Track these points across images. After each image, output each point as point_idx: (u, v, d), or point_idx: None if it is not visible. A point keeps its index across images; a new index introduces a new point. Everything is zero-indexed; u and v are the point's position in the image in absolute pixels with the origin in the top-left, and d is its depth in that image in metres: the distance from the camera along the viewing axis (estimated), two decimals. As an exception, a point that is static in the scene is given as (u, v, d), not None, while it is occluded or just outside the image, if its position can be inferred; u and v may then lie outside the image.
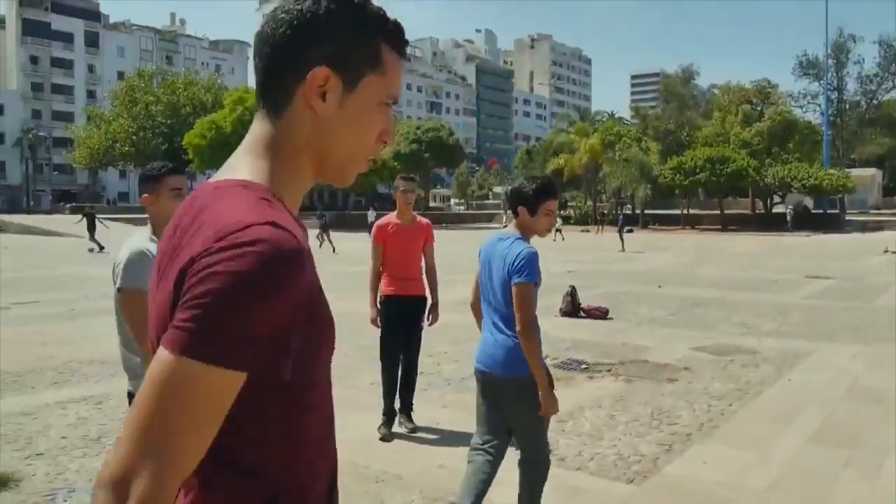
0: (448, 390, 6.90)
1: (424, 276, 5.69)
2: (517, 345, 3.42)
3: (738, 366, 7.85)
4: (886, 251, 24.72)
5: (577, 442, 5.33)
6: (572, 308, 11.16)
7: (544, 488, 3.69)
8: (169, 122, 66.01)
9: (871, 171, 61.49)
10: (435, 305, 5.69)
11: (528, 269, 3.37)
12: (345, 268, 16.74)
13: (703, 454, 5.12)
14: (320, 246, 31.16)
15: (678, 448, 5.24)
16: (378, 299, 5.55)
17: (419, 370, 7.32)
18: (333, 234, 29.03)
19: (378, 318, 5.55)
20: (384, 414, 5.54)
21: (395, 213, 5.63)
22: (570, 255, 23.58)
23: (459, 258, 24.51)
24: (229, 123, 52.09)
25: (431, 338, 9.01)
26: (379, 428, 5.46)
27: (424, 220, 5.75)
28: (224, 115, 55.92)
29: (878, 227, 40.82)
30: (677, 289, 14.91)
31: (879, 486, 4.56)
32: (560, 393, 6.09)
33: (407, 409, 5.70)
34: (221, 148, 46.38)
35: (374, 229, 5.68)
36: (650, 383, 7.13)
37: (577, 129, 58.79)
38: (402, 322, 5.56)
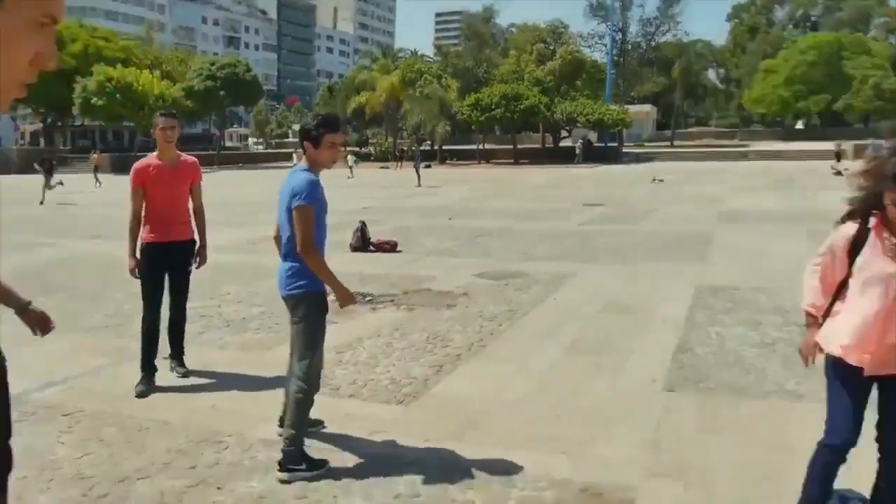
0: (226, 332, 6.75)
1: (193, 218, 5.38)
2: (294, 266, 3.78)
3: (513, 289, 8.37)
4: (654, 180, 27.18)
5: (352, 371, 5.45)
6: (362, 243, 11.28)
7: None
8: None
9: (647, 107, 67.01)
10: (203, 247, 5.42)
11: (306, 192, 3.70)
12: (117, 212, 15.65)
13: (469, 372, 5.45)
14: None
15: (448, 368, 5.53)
16: (139, 247, 5.17)
17: (199, 314, 7.15)
18: (115, 178, 27.05)
19: (137, 269, 5.17)
20: (142, 369, 5.11)
21: (155, 153, 5.25)
22: (367, 191, 23.70)
23: (255, 197, 23.85)
24: None
25: (217, 279, 8.80)
26: (136, 385, 5.03)
27: (190, 159, 5.43)
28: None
29: (649, 158, 44.72)
30: (467, 221, 15.51)
31: (621, 383, 5.11)
32: (341, 326, 6.21)
33: (178, 354, 5.46)
34: None
35: (132, 172, 5.20)
36: (430, 310, 7.41)
37: (379, 67, 58.49)
38: (165, 269, 5.22)
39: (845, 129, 61.40)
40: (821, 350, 2.95)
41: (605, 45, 68.03)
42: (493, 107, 45.77)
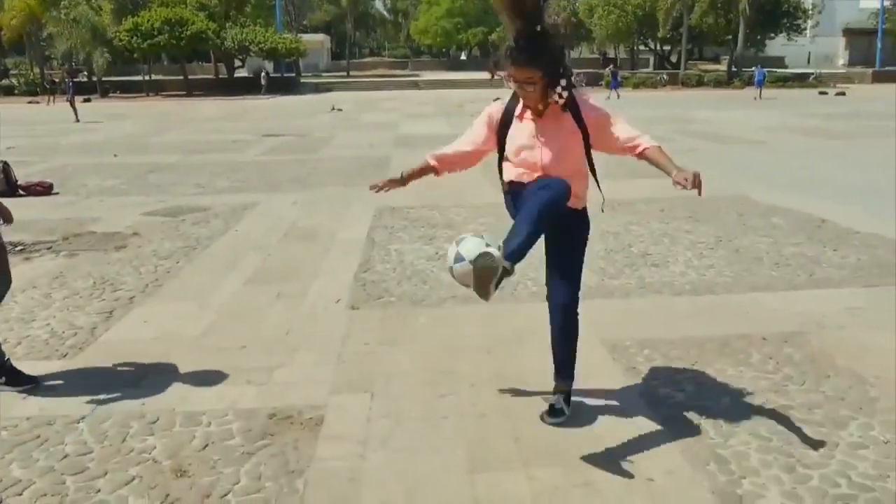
0: None
1: None
2: None
3: (190, 224, 7.91)
4: (333, 109, 27.41)
5: (3, 328, 4.74)
6: (7, 187, 9.79)
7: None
8: None
9: (321, 36, 66.76)
10: None
11: None
12: None
13: (145, 314, 5.05)
14: None
15: (119, 314, 5.07)
16: None
17: None
18: None
19: None
20: None
21: None
22: (13, 129, 20.59)
23: None
24: None
25: None
26: None
27: None
28: None
29: (327, 88, 44.90)
30: (135, 157, 14.26)
31: (303, 307, 5.11)
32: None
33: None
34: None
35: None
36: (96, 254, 6.71)
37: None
38: None
39: (500, 59, 67.27)
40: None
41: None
42: (155, 32, 42.07)
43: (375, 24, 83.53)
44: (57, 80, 41.66)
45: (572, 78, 3.04)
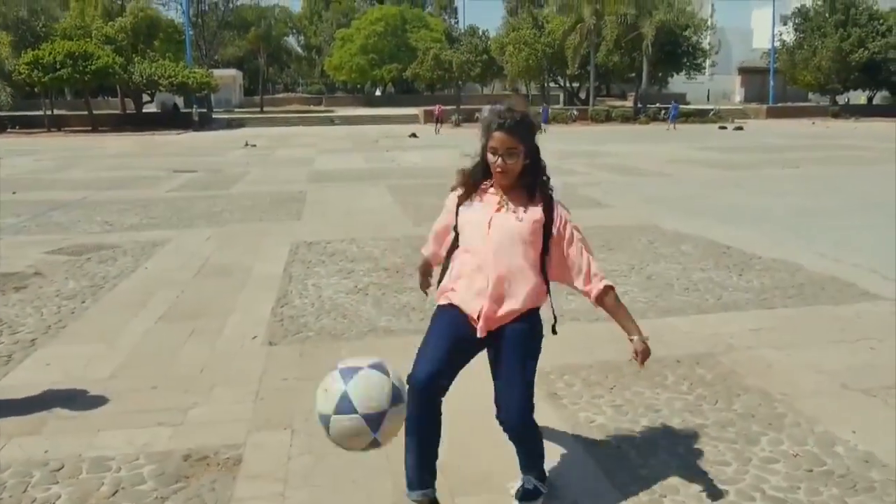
0: None
1: None
2: None
3: (96, 262, 7.59)
4: (247, 144, 27.01)
5: None
6: None
7: None
8: None
9: (233, 71, 65.89)
10: None
11: None
12: None
13: (46, 357, 4.79)
14: None
15: (18, 357, 4.79)
16: None
17: None
18: None
19: None
20: None
21: None
22: None
23: None
24: None
25: None
26: None
27: None
28: None
29: (240, 123, 44.27)
30: (37, 194, 13.63)
31: (219, 344, 4.96)
32: None
33: None
34: None
35: None
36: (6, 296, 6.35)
37: None
38: None
39: (416, 95, 68.01)
40: None
41: (181, 4, 64.95)
42: (58, 66, 40.61)
43: (289, 59, 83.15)
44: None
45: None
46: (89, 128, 42.37)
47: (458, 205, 2.82)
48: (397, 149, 24.44)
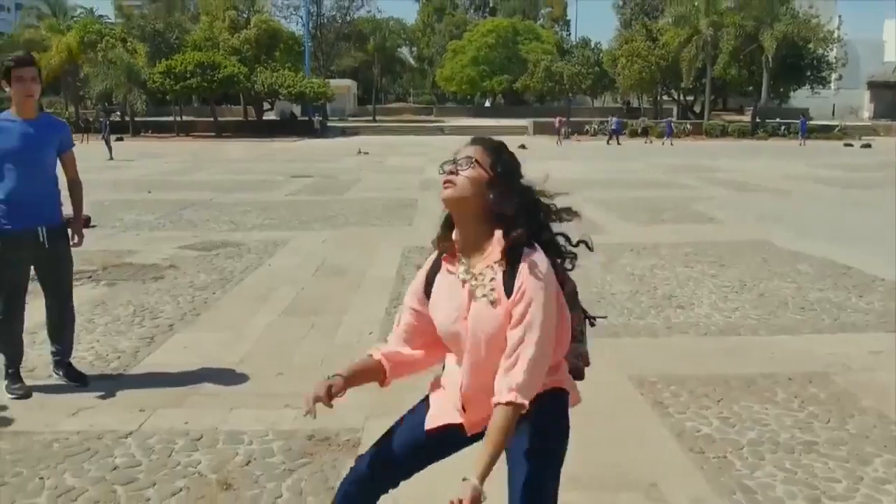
0: None
1: None
2: None
3: (224, 258, 8.14)
4: (360, 152, 27.89)
5: (48, 352, 4.93)
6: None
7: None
8: None
9: (348, 81, 68.08)
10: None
11: None
12: None
13: (184, 341, 5.23)
14: None
15: (160, 339, 5.26)
16: None
17: None
18: None
19: None
20: None
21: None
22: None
23: None
24: None
25: None
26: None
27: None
28: None
29: (354, 132, 45.71)
30: (168, 194, 14.63)
31: (338, 339, 5.27)
32: (30, 306, 5.55)
33: None
34: None
35: None
36: (135, 284, 6.94)
37: (47, 26, 52.04)
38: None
39: (525, 107, 68.12)
40: None
41: (301, 17, 67.66)
42: (188, 75, 43.25)
43: (402, 70, 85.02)
44: (91, 119, 42.86)
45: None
46: (213, 133, 44.78)
47: (427, 280, 2.14)
48: (505, 159, 24.64)
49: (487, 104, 76.02)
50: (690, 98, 57.82)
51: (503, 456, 1.95)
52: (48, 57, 43.99)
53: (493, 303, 1.94)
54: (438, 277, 2.09)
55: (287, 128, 44.92)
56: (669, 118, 45.04)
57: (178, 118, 47.41)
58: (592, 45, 61.56)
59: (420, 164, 22.36)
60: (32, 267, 4.27)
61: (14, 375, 4.24)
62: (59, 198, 4.27)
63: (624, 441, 3.60)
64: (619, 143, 36.90)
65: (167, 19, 54.46)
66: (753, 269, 7.57)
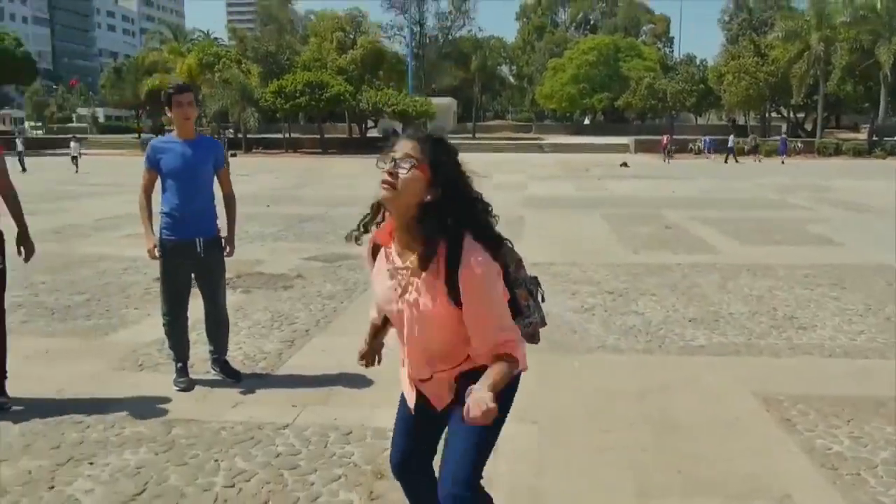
0: (51, 320, 6.39)
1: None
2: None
3: (346, 269, 8.59)
4: (461, 169, 28.38)
5: (203, 349, 5.41)
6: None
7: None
8: None
9: (448, 99, 69.13)
10: (24, 234, 4.44)
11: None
12: None
13: (321, 345, 5.63)
14: None
15: (300, 343, 5.67)
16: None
17: (17, 304, 6.69)
18: None
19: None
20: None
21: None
22: (173, 179, 22.59)
23: (52, 185, 21.95)
24: None
25: (28, 267, 8.18)
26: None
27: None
28: None
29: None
30: (285, 208, 15.41)
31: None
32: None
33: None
34: None
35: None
36: (268, 291, 7.45)
37: (170, 49, 55.49)
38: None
39: (625, 125, 67.37)
40: None
41: (405, 37, 69.38)
42: (297, 94, 45.15)
43: (501, 88, 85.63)
44: (213, 135, 45.21)
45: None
46: (320, 150, 46.47)
47: (371, 253, 2.30)
48: (609, 177, 24.55)
49: (587, 122, 75.52)
50: (801, 115, 55.78)
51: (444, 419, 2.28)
52: (171, 79, 46.76)
53: (428, 296, 2.05)
54: (379, 258, 2.23)
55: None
56: (783, 135, 43.76)
57: (287, 135, 49.39)
58: (698, 62, 60.29)
59: (521, 181, 22.60)
60: (192, 274, 4.74)
61: (181, 370, 4.72)
62: (214, 211, 4.73)
63: (754, 454, 3.69)
64: (736, 161, 36.00)
65: (279, 41, 57.00)
66: (878, 293, 7.39)
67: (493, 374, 2.00)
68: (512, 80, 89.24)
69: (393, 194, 1.98)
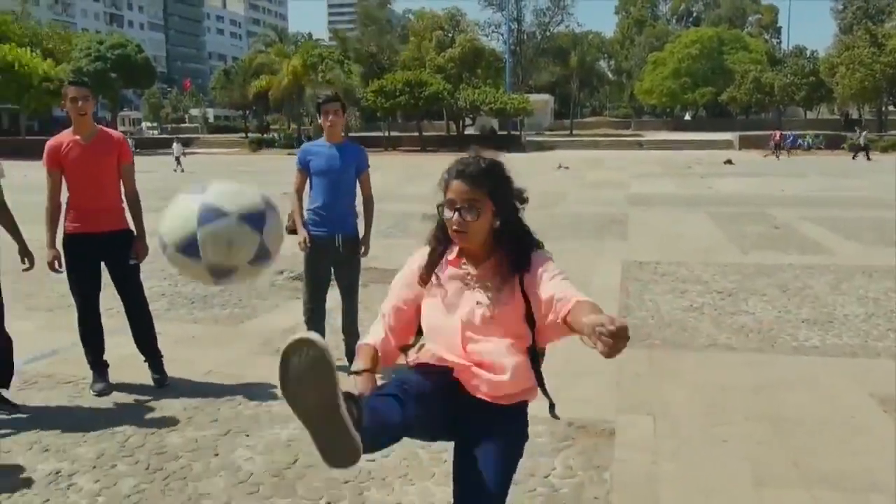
0: (193, 308, 6.99)
1: (126, 205, 4.74)
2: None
3: (456, 266, 8.91)
4: (560, 167, 28.38)
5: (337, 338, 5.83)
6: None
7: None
8: None
9: (546, 96, 68.89)
10: (141, 238, 4.67)
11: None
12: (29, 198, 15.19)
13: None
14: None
15: (418, 334, 6.02)
16: (61, 238, 4.62)
17: (159, 293, 7.35)
18: (10, 163, 25.69)
19: (57, 262, 4.60)
20: (92, 368, 4.77)
21: (69, 129, 4.60)
22: (283, 177, 23.65)
23: (171, 182, 23.39)
24: None
25: (165, 262, 8.94)
26: (92, 385, 4.70)
27: (115, 134, 4.82)
28: None
29: (552, 146, 46.29)
30: (390, 205, 15.89)
31: (574, 344, 5.74)
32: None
33: (150, 356, 4.91)
34: None
35: (45, 151, 4.52)
36: (384, 286, 7.83)
37: (275, 51, 57.59)
38: (95, 263, 4.67)
39: (728, 120, 65.33)
40: None
41: (502, 34, 69.51)
42: (397, 93, 46.11)
43: (599, 83, 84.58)
44: (311, 135, 46.78)
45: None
46: (418, 148, 47.26)
47: (422, 279, 2.29)
48: (713, 175, 24.03)
49: (688, 117, 73.63)
50: (922, 108, 52.65)
51: (453, 449, 2.24)
52: (278, 79, 48.78)
53: (490, 306, 2.14)
54: (442, 275, 2.24)
55: (487, 142, 46.20)
56: None
57: (387, 134, 50.48)
58: (808, 54, 57.78)
59: (622, 179, 22.44)
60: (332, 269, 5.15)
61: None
62: (355, 212, 5.12)
63: (871, 451, 3.76)
64: (868, 159, 34.04)
65: (379, 42, 58.32)
66: None
67: (591, 307, 2.01)
68: (610, 75, 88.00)
69: (466, 240, 2.15)
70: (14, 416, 4.30)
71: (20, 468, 3.68)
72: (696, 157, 34.34)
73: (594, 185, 20.96)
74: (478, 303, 2.17)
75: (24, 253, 4.50)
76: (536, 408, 4.32)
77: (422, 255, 2.33)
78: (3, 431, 4.10)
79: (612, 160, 33.27)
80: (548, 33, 73.92)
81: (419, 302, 2.30)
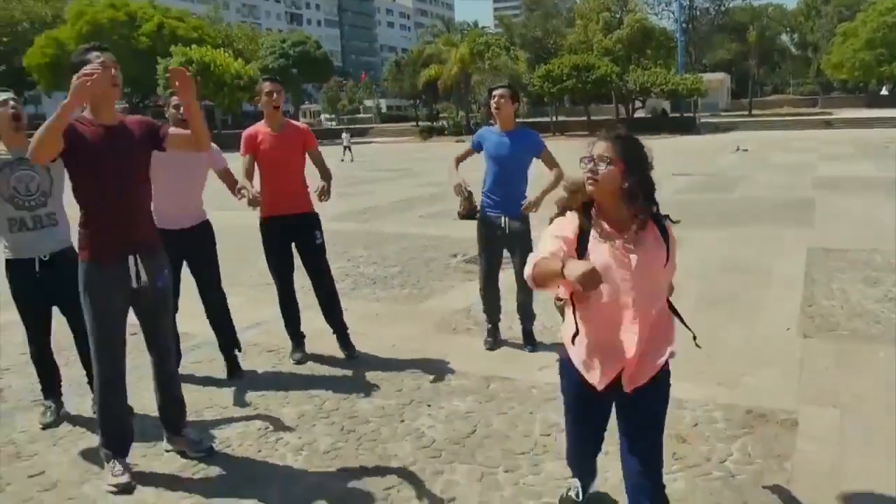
0: (375, 288, 7.45)
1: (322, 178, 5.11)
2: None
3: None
4: (738, 149, 26.94)
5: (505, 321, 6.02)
6: (470, 211, 11.83)
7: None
8: (4, 39, 60.30)
9: (721, 75, 65.51)
10: (328, 186, 5.04)
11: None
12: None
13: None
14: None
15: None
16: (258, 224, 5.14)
17: (344, 273, 7.89)
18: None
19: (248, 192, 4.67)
20: (290, 338, 5.30)
21: (262, 121, 5.06)
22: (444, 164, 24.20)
23: (353, 171, 24.71)
24: (72, 39, 48.48)
25: (345, 244, 9.56)
26: (291, 354, 5.23)
27: (301, 125, 5.30)
28: (66, 30, 52.03)
29: (729, 127, 43.97)
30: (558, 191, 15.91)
31: (758, 331, 5.58)
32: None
33: (340, 329, 5.34)
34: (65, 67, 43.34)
35: (242, 140, 5.01)
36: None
37: (443, 40, 58.73)
38: (286, 246, 5.13)
39: (933, 94, 58.92)
40: None
41: (673, 12, 66.70)
42: (564, 78, 45.60)
43: (781, 59, 79.15)
44: (478, 121, 47.47)
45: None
46: (586, 132, 46.51)
47: (579, 236, 2.51)
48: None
49: (884, 92, 67.14)
50: None
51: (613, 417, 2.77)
52: (447, 68, 49.85)
53: (650, 259, 2.49)
54: (591, 241, 2.49)
55: (659, 125, 44.75)
56: None
57: (554, 118, 50.16)
58: None
59: (809, 161, 20.97)
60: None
61: (490, 331, 5.39)
62: (523, 195, 5.25)
63: None
64: None
65: (545, 26, 57.93)
66: None
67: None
68: (793, 50, 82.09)
69: (595, 186, 2.48)
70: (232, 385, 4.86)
71: (237, 421, 4.18)
72: (894, 136, 31.33)
73: (776, 167, 19.74)
74: (633, 272, 2.49)
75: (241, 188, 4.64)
76: (716, 394, 4.29)
77: (567, 221, 2.56)
78: (221, 391, 4.66)
79: (796, 140, 31.08)
80: (723, 8, 70.18)
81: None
